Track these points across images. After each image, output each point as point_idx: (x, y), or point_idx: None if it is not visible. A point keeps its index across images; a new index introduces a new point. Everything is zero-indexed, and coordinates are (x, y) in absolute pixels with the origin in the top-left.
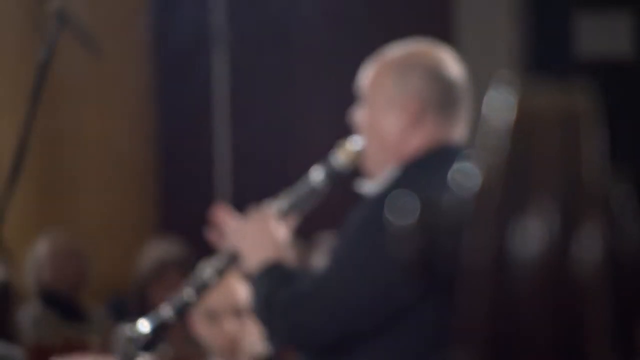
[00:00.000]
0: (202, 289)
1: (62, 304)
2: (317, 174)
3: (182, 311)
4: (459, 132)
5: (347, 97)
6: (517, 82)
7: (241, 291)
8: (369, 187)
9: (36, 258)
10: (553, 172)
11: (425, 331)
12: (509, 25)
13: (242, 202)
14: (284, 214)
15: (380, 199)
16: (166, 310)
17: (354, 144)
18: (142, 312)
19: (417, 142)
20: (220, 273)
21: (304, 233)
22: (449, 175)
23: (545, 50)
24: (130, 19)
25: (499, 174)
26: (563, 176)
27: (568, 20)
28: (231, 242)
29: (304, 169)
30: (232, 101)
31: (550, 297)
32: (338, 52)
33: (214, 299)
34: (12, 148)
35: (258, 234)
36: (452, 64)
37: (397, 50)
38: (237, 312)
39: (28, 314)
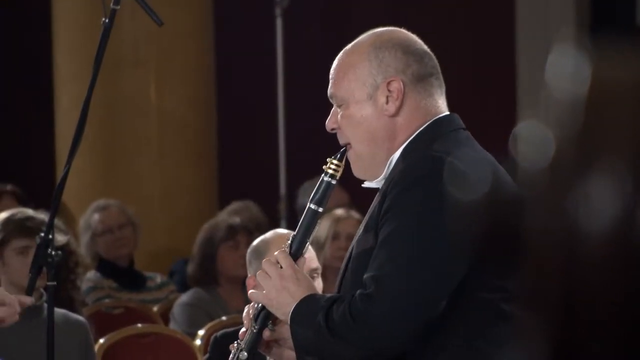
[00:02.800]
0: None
1: (120, 271)
2: (314, 202)
3: None
4: (443, 100)
5: None
6: (584, 46)
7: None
8: (377, 183)
9: (89, 228)
10: (627, 146)
11: (491, 306)
12: None
13: (299, 169)
14: (299, 254)
15: (418, 180)
16: None
17: (340, 156)
18: (205, 278)
19: (409, 120)
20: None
21: None
22: (510, 146)
23: (606, 13)
24: None
25: (572, 147)
26: (636, 149)
27: None
28: (263, 303)
29: None
30: (295, 71)
31: (622, 267)
32: None
33: None
34: (74, 116)
35: (282, 289)
36: (416, 38)
37: (359, 41)
38: (313, 273)
39: (86, 281)
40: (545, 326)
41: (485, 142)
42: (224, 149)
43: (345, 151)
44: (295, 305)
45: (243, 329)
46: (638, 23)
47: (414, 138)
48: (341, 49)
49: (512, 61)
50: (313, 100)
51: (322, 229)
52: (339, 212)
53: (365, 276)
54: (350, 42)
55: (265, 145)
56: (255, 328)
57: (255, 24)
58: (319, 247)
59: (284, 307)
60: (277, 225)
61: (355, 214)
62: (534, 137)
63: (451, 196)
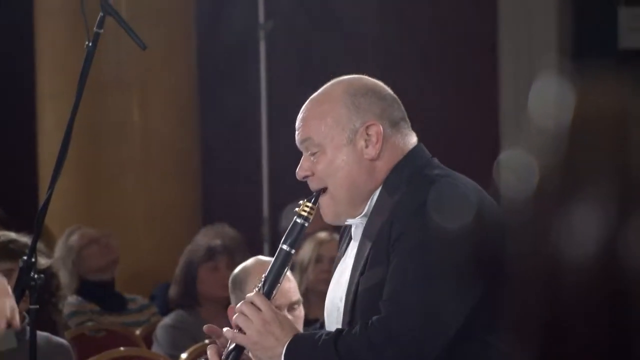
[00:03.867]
0: None
1: (101, 292)
2: (287, 244)
3: None
4: (413, 137)
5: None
6: (567, 73)
7: (291, 285)
8: (358, 220)
9: (68, 250)
10: (610, 174)
11: (487, 324)
12: (551, 13)
13: (282, 192)
14: (271, 294)
15: (425, 204)
16: None
17: (314, 200)
18: (187, 300)
19: (388, 161)
20: None
21: None
22: (494, 174)
23: (589, 39)
24: (177, 9)
25: (555, 175)
26: (619, 177)
27: (611, 11)
28: (247, 347)
29: None
30: (278, 93)
31: (605, 293)
32: (387, 53)
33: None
34: (57, 138)
35: (266, 333)
36: (383, 84)
37: (329, 89)
38: (294, 305)
39: (67, 306)
40: (529, 351)
41: (468, 168)
42: (207, 171)
43: (319, 194)
44: (288, 347)
45: None
46: (620, 47)
47: (393, 170)
48: (324, 72)
49: (496, 88)
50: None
51: (305, 251)
52: (322, 235)
53: (382, 302)
54: (335, 63)
55: (248, 167)
56: None
57: (239, 46)
58: (302, 270)
59: (269, 350)
60: (261, 247)
61: (337, 237)
62: (517, 165)
63: (457, 219)
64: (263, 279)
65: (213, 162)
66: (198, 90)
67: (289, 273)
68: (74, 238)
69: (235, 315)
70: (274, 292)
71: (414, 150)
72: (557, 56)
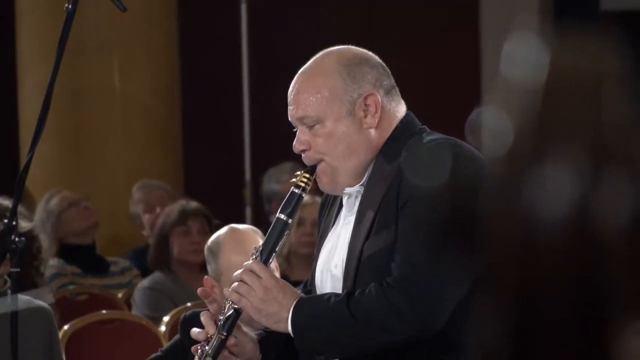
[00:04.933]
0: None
1: (82, 255)
2: (284, 213)
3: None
4: (403, 105)
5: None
6: (545, 33)
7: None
8: (355, 189)
9: (48, 213)
10: (584, 133)
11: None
12: None
13: (264, 156)
14: (268, 263)
15: (419, 175)
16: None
17: (311, 170)
18: (163, 264)
19: (385, 129)
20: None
21: None
22: (468, 133)
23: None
24: None
25: (530, 134)
26: (592, 137)
27: None
28: (252, 313)
29: None
30: (260, 57)
31: (575, 251)
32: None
33: None
34: (37, 102)
35: (270, 300)
36: (371, 53)
37: (320, 62)
38: None
39: (49, 268)
40: (503, 309)
41: (450, 130)
42: (188, 135)
43: (316, 165)
44: (294, 311)
45: (201, 331)
46: (602, 9)
47: (389, 138)
48: (306, 37)
49: (477, 48)
50: (278, 87)
51: None
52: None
53: (395, 265)
54: (316, 30)
55: (229, 131)
56: (222, 335)
57: (220, 10)
58: None
59: (274, 316)
60: (242, 211)
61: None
62: (492, 124)
63: (463, 178)
64: (260, 248)
65: (194, 126)
66: (178, 54)
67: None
68: (54, 201)
69: (234, 284)
70: (271, 260)
71: (408, 118)
72: (538, 16)
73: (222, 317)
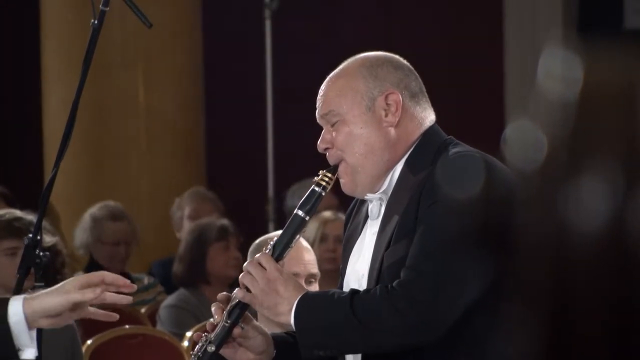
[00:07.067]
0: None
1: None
2: (303, 210)
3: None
4: (432, 112)
5: None
6: (574, 47)
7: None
8: (376, 196)
9: (97, 226)
10: (618, 146)
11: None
12: None
13: (286, 169)
14: (281, 257)
15: (440, 187)
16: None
17: (333, 169)
18: (193, 278)
19: (407, 132)
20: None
21: None
22: (502, 147)
23: (594, 17)
24: None
25: (563, 148)
26: (626, 150)
27: None
28: (252, 304)
29: None
30: (284, 72)
31: (609, 265)
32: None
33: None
34: (62, 117)
35: (271, 291)
36: (401, 58)
37: (347, 65)
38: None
39: None
40: (536, 323)
41: (472, 142)
42: (212, 149)
43: (338, 166)
44: (298, 305)
45: (211, 320)
46: (626, 26)
47: (415, 149)
48: (330, 51)
49: (500, 62)
50: (302, 101)
51: (310, 231)
52: (327, 214)
53: (404, 268)
54: (340, 44)
55: (253, 145)
56: (227, 323)
57: (245, 24)
58: None
59: (275, 307)
60: (265, 226)
61: (343, 216)
62: (525, 138)
63: (483, 192)
64: (273, 243)
65: (217, 140)
66: (203, 68)
67: (308, 247)
68: (109, 226)
69: (241, 275)
70: (284, 255)
71: (433, 129)
72: (562, 31)
73: (228, 307)
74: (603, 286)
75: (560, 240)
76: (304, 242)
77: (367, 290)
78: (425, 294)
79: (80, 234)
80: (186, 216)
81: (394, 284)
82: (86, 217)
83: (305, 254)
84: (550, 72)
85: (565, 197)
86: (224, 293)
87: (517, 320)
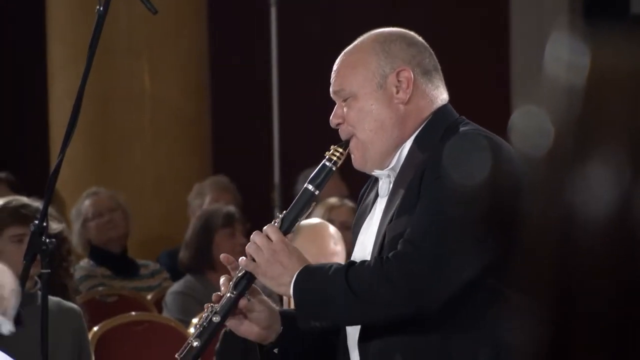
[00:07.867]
0: (227, 313)
1: (113, 258)
2: (313, 184)
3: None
4: (445, 91)
5: None
6: (580, 34)
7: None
8: (385, 172)
9: (80, 215)
10: (625, 134)
11: (490, 287)
12: None
13: (292, 157)
14: (289, 231)
15: (444, 165)
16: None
17: (344, 145)
18: (199, 265)
19: (418, 109)
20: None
21: None
22: (509, 131)
23: (600, 1)
24: None
25: (570, 134)
26: (633, 137)
27: None
28: (256, 274)
29: None
30: (289, 59)
31: (615, 251)
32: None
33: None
34: (67, 105)
35: (275, 262)
36: (415, 34)
37: (360, 40)
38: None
39: (79, 270)
40: (540, 309)
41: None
42: (217, 137)
43: (349, 141)
44: (297, 276)
45: (218, 293)
46: (632, 12)
47: (425, 127)
48: (335, 38)
49: (507, 48)
50: (308, 88)
51: (316, 216)
52: (333, 200)
53: (401, 240)
54: (344, 32)
55: (259, 133)
56: (233, 294)
57: (250, 11)
58: None
59: (278, 278)
60: (271, 214)
61: (349, 203)
62: (531, 124)
63: (488, 174)
64: (282, 216)
65: (223, 128)
66: (208, 56)
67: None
68: (86, 204)
69: (247, 244)
70: (293, 228)
71: (446, 108)
72: (569, 17)
73: (234, 277)
74: (608, 273)
75: (566, 226)
76: (331, 229)
77: (362, 262)
78: (419, 266)
79: (74, 236)
80: (206, 204)
81: (390, 254)
82: (73, 215)
83: (334, 246)
84: (557, 58)
85: (571, 184)
86: (227, 275)
87: (520, 306)
